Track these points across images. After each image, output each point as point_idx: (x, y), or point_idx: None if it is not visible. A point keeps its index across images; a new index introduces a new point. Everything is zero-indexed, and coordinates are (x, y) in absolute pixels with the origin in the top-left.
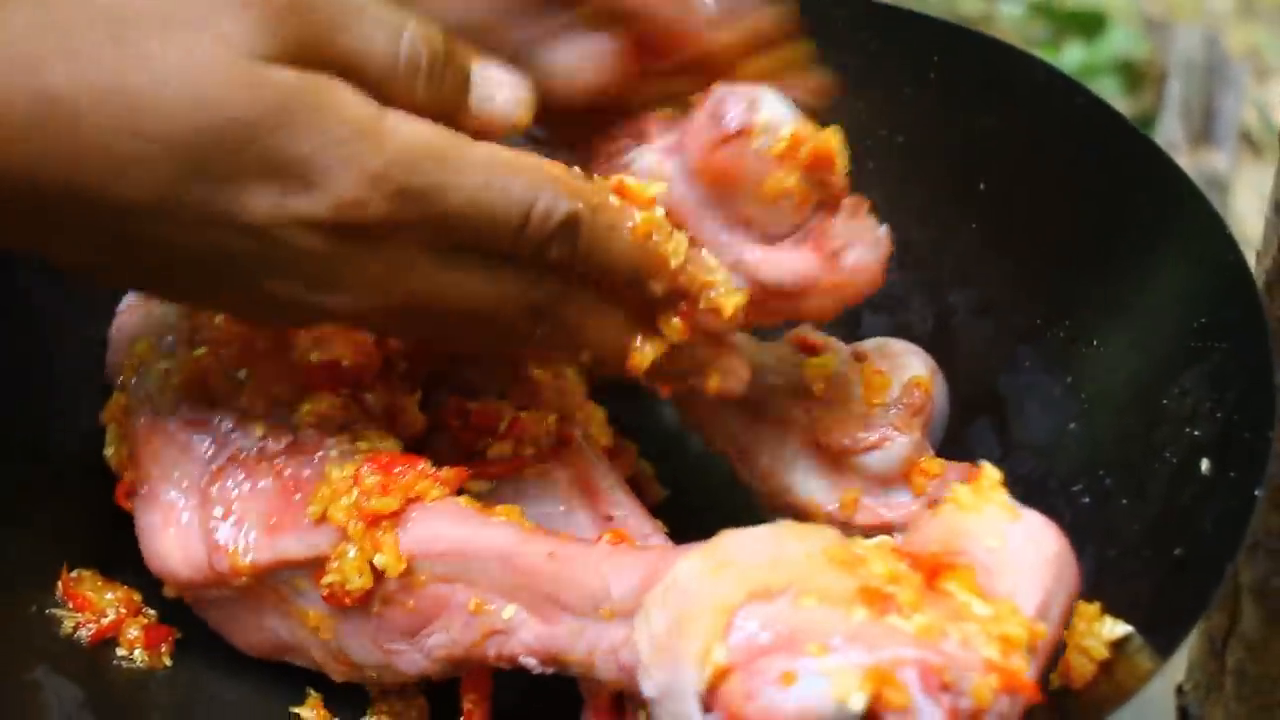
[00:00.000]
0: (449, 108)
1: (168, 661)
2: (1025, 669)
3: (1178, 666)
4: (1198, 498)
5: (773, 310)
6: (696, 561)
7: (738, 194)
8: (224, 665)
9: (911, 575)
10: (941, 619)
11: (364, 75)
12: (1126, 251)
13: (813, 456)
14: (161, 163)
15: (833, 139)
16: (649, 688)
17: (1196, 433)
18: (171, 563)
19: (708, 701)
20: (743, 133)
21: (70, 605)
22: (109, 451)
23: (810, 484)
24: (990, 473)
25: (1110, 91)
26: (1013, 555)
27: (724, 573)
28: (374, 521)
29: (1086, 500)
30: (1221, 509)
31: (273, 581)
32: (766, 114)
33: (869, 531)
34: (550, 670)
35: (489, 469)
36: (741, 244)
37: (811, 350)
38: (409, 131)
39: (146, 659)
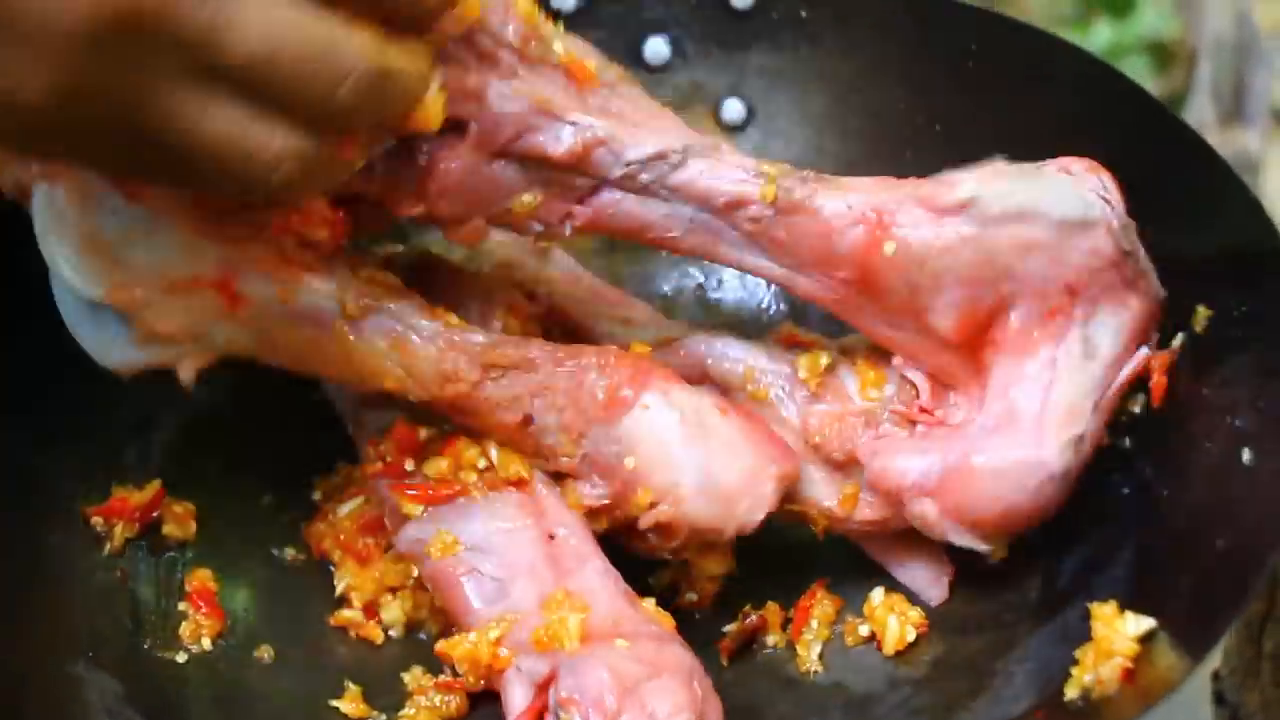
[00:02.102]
0: None
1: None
2: None
3: (1214, 652)
4: (1239, 488)
5: None
6: None
7: None
8: (263, 659)
9: None
10: None
11: None
12: (1162, 238)
13: (812, 454)
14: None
15: None
16: None
17: (1237, 422)
18: None
19: None
20: None
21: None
22: None
23: (810, 481)
24: None
25: (1140, 71)
26: None
27: None
28: None
29: (1126, 491)
30: (1263, 499)
31: None
32: None
33: (869, 526)
34: None
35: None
36: None
37: (800, 346)
38: None
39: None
